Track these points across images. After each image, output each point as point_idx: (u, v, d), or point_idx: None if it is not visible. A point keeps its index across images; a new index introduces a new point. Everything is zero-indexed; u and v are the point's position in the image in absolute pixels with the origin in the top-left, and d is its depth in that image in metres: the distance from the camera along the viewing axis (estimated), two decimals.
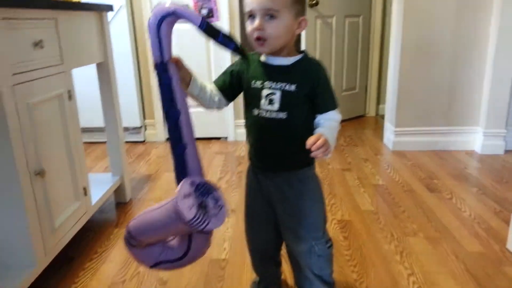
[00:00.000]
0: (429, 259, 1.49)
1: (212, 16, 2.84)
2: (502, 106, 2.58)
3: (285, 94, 0.99)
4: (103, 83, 1.89)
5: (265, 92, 1.01)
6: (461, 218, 1.79)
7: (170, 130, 0.95)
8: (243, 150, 2.82)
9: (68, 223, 1.44)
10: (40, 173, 1.27)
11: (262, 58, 1.04)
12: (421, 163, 2.48)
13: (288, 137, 1.03)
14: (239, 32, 2.89)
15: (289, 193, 1.07)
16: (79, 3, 1.68)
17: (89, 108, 2.51)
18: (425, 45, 2.59)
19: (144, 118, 3.05)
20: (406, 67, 2.64)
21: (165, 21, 0.90)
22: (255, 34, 0.95)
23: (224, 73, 1.09)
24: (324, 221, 1.13)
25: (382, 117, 3.22)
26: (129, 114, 2.91)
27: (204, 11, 2.83)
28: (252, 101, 1.03)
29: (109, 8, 1.87)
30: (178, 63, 0.94)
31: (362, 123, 3.53)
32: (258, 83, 1.02)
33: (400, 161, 2.53)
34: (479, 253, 1.52)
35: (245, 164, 2.46)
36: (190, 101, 0.98)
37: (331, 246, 1.12)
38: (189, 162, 0.96)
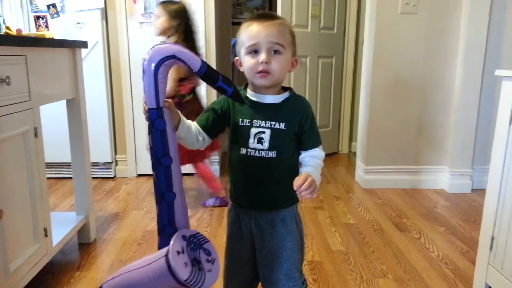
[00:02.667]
0: None
1: None
2: (468, 146, 2.67)
3: (275, 132, 0.99)
4: (72, 119, 1.86)
5: (254, 130, 1.00)
6: (429, 259, 1.80)
7: (159, 178, 0.90)
8: None
9: (25, 267, 1.37)
10: None
11: (250, 95, 1.02)
12: (391, 202, 2.51)
13: (277, 176, 1.02)
14: (216, 68, 2.92)
15: (270, 236, 1.05)
16: (51, 39, 1.68)
17: (57, 142, 2.46)
18: (395, 86, 2.69)
19: (116, 153, 3.00)
20: (376, 108, 2.72)
21: (164, 64, 0.86)
22: (260, 67, 0.95)
23: (206, 110, 1.06)
24: (302, 261, 1.12)
25: (355, 154, 3.27)
26: (100, 149, 2.86)
27: None
28: (239, 139, 1.02)
29: (83, 44, 1.87)
30: (170, 106, 0.92)
31: (335, 160, 3.57)
32: (246, 122, 1.00)
33: (371, 200, 2.56)
34: None
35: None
36: None
37: (306, 287, 1.10)
38: (177, 213, 0.91)
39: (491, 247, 1.45)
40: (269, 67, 0.95)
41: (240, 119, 1.01)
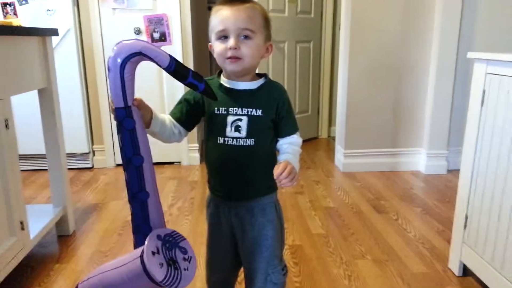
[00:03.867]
0: (376, 282, 1.52)
1: (165, 40, 2.83)
2: (443, 128, 2.73)
3: (252, 119, 0.97)
4: (45, 109, 1.81)
5: (230, 118, 0.97)
6: (406, 239, 1.85)
7: (131, 178, 0.87)
8: (197, 174, 2.79)
9: (1, 261, 1.34)
10: None
11: (224, 82, 1.00)
12: (370, 184, 2.56)
13: (255, 164, 1.00)
14: (192, 56, 2.89)
15: (251, 225, 1.05)
16: (19, 27, 1.62)
17: (32, 133, 2.40)
18: (371, 70, 2.71)
19: (93, 143, 2.94)
20: (354, 92, 2.74)
21: (130, 61, 0.82)
22: (229, 53, 0.93)
23: (180, 102, 1.03)
24: (282, 248, 1.12)
25: (334, 138, 3.30)
26: (76, 140, 2.80)
27: (157, 35, 2.82)
28: (215, 128, 0.99)
29: (54, 32, 1.81)
30: (140, 104, 0.89)
31: (314, 145, 3.60)
32: (222, 110, 0.98)
33: (350, 183, 2.60)
34: (423, 274, 1.57)
35: (198, 190, 2.45)
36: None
37: (286, 272, 1.11)
38: (151, 212, 0.89)
39: (465, 226, 1.49)
40: (238, 53, 0.93)
41: (216, 108, 0.98)
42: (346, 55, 2.73)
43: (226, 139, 0.98)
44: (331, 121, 3.84)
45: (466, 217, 1.49)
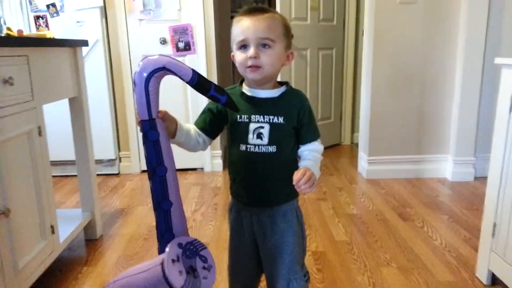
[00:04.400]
0: None
1: (189, 49, 2.89)
2: (470, 135, 2.67)
3: (274, 127, 0.99)
4: (75, 117, 1.88)
5: (252, 126, 0.99)
6: (432, 247, 1.82)
7: (155, 187, 0.91)
8: (219, 181, 2.82)
9: (33, 264, 1.39)
10: (5, 212, 1.24)
11: (246, 91, 1.02)
12: (394, 191, 2.52)
13: (277, 171, 1.02)
14: (215, 65, 2.94)
15: (272, 231, 1.06)
16: (52, 39, 1.70)
17: (62, 141, 2.49)
18: (395, 76, 2.69)
19: (119, 150, 3.02)
20: (377, 98, 2.72)
21: (154, 76, 0.86)
22: (249, 62, 0.95)
23: (203, 112, 1.06)
24: (304, 254, 1.13)
25: (357, 145, 3.28)
26: (104, 147, 2.88)
27: (181, 44, 2.88)
28: (238, 136, 1.01)
29: (84, 43, 1.88)
30: (164, 116, 0.92)
31: (337, 151, 3.58)
32: (244, 117, 1.00)
33: (374, 190, 2.57)
34: (450, 282, 1.54)
35: (221, 196, 2.48)
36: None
37: (308, 279, 1.11)
38: (174, 220, 0.92)
39: (493, 234, 1.46)
40: (258, 62, 0.95)
41: (238, 116, 1.00)
42: (369, 61, 2.72)
43: (248, 146, 1.00)
44: (354, 128, 3.81)
45: (495, 225, 1.45)
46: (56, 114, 2.34)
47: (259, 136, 0.99)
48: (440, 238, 1.90)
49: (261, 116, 0.99)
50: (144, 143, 0.90)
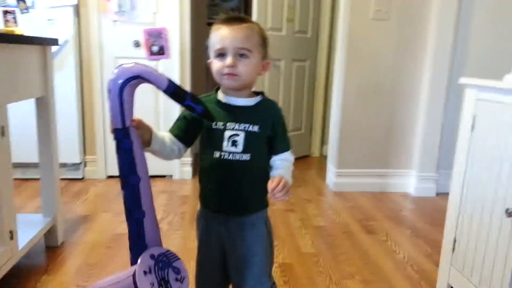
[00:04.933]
0: None
1: (163, 53, 2.86)
2: (433, 151, 2.77)
3: (249, 135, 1.00)
4: (41, 118, 1.81)
5: (227, 133, 1.00)
6: (395, 261, 1.86)
7: (127, 197, 0.90)
8: (188, 189, 2.79)
9: None
10: None
11: (222, 98, 1.03)
12: (360, 205, 2.58)
13: (250, 179, 1.03)
14: (190, 69, 2.92)
15: (241, 241, 1.06)
16: (20, 36, 1.64)
17: (23, 142, 2.38)
18: (366, 91, 2.76)
19: (85, 153, 2.93)
20: (347, 112, 2.78)
21: (129, 84, 0.85)
22: (226, 71, 0.96)
23: (179, 119, 1.06)
24: (271, 264, 1.13)
25: (326, 157, 3.33)
26: (69, 150, 2.78)
27: (155, 48, 2.85)
28: (212, 142, 1.01)
29: (54, 42, 1.83)
30: (139, 124, 0.91)
31: (306, 163, 3.62)
32: (219, 124, 1.00)
33: (340, 202, 2.62)
34: None
35: (189, 204, 2.45)
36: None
37: None
38: (147, 231, 0.90)
39: (453, 249, 1.51)
40: (235, 71, 0.96)
41: (213, 122, 1.01)
42: (341, 75, 2.78)
43: (222, 153, 1.01)
44: (323, 140, 3.87)
45: (455, 240, 1.51)
46: (17, 114, 2.26)
47: (234, 143, 1.00)
48: (403, 252, 1.95)
49: (237, 124, 1.00)
50: (117, 152, 0.88)
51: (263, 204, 1.09)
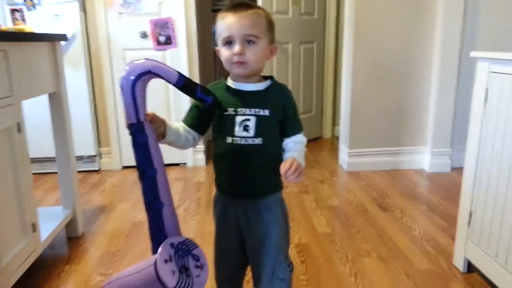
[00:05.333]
0: (382, 279, 1.55)
1: (170, 43, 2.86)
2: (447, 126, 2.74)
3: (260, 119, 1.01)
4: (55, 113, 1.84)
5: (239, 118, 1.01)
6: (411, 236, 1.87)
7: (146, 189, 0.92)
8: (202, 175, 2.82)
9: (15, 262, 1.38)
10: None
11: (231, 85, 1.03)
12: (374, 183, 2.58)
13: (263, 162, 1.04)
14: (197, 59, 2.93)
15: (257, 223, 1.07)
16: (31, 33, 1.66)
17: (40, 137, 2.45)
18: (375, 70, 2.73)
19: (100, 146, 2.98)
20: (357, 91, 2.76)
21: (141, 79, 0.87)
22: (235, 59, 0.97)
23: (191, 109, 1.08)
24: (288, 245, 1.15)
25: (338, 138, 3.32)
26: (84, 143, 2.83)
27: (162, 38, 2.85)
28: (224, 128, 1.03)
29: (63, 37, 1.85)
30: (153, 118, 0.93)
31: (318, 145, 3.62)
32: (230, 110, 1.01)
33: (354, 182, 2.62)
34: (428, 271, 1.59)
35: (204, 190, 2.48)
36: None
37: (292, 269, 1.13)
38: (166, 221, 0.93)
39: (469, 223, 1.51)
40: (243, 58, 0.97)
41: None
42: (349, 55, 2.76)
43: (234, 138, 1.02)
44: (334, 121, 3.86)
45: (470, 214, 1.50)
46: (33, 110, 2.30)
47: (245, 128, 1.01)
48: (419, 227, 1.96)
49: (247, 109, 1.01)
50: (133, 146, 0.91)
51: (277, 186, 1.10)
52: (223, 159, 1.07)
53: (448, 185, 2.52)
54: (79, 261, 1.72)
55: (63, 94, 1.84)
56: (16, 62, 1.44)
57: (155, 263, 0.85)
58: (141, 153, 0.90)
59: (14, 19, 2.67)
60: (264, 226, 1.07)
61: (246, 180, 1.06)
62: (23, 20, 2.66)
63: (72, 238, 1.92)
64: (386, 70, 2.74)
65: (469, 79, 2.65)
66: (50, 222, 1.74)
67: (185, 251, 0.91)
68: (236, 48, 0.96)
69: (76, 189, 1.93)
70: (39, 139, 2.44)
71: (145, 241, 1.86)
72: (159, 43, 2.85)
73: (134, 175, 2.82)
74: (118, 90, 2.87)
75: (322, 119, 3.86)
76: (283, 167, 0.93)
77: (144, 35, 2.81)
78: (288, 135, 1.06)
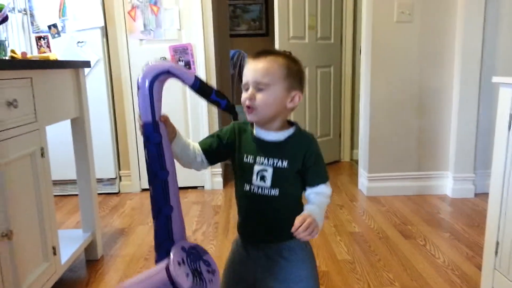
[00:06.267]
0: None
1: (190, 68, 2.92)
2: (469, 151, 2.69)
3: (277, 170, 0.98)
4: (77, 137, 1.88)
5: (256, 168, 0.99)
6: (435, 265, 1.81)
7: (156, 191, 0.90)
8: (220, 199, 2.81)
9: (35, 286, 1.38)
10: (8, 235, 1.23)
11: (255, 132, 1.02)
12: (395, 209, 2.52)
13: (280, 213, 1.01)
14: (216, 82, 2.97)
15: (279, 267, 1.03)
16: (55, 61, 1.72)
17: (62, 160, 2.48)
18: (393, 94, 2.71)
19: (119, 169, 3.02)
20: (376, 115, 2.74)
21: (158, 79, 0.88)
22: (246, 103, 0.97)
23: (212, 136, 1.06)
24: None
25: (357, 162, 3.29)
26: (104, 165, 2.87)
27: (182, 64, 2.91)
28: (243, 175, 1.02)
29: (87, 64, 1.91)
30: (166, 121, 0.93)
31: (337, 168, 3.59)
32: (250, 158, 1.00)
33: (374, 207, 2.57)
34: None
35: (222, 214, 2.48)
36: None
37: None
38: (175, 225, 0.91)
39: (496, 252, 1.46)
40: (252, 103, 0.96)
41: (245, 155, 1.01)
42: (367, 79, 2.75)
43: (252, 186, 1.00)
44: (353, 144, 3.83)
45: (497, 244, 1.45)
46: (54, 133, 2.35)
47: (262, 178, 0.99)
48: (443, 256, 1.90)
49: (266, 159, 0.99)
50: (146, 146, 0.90)
51: None
52: (241, 204, 1.06)
53: (471, 211, 2.45)
54: (98, 285, 1.72)
55: (85, 119, 1.88)
56: (40, 88, 1.48)
57: (167, 268, 0.83)
58: (154, 154, 0.89)
59: (39, 46, 2.77)
60: (288, 270, 1.02)
61: (264, 228, 1.03)
62: (48, 47, 2.76)
63: (91, 261, 1.93)
64: (405, 94, 2.72)
65: (491, 102, 2.61)
66: (70, 245, 1.75)
67: (196, 256, 0.89)
68: (248, 92, 0.97)
69: (96, 212, 1.95)
70: (61, 161, 2.48)
71: None
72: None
73: None
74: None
75: (340, 142, 3.83)
76: (296, 223, 0.90)
77: None
78: (310, 185, 1.01)
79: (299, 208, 0.97)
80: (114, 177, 2.97)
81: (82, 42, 2.80)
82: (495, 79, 1.46)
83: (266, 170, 0.99)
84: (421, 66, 2.68)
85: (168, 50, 2.87)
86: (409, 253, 1.93)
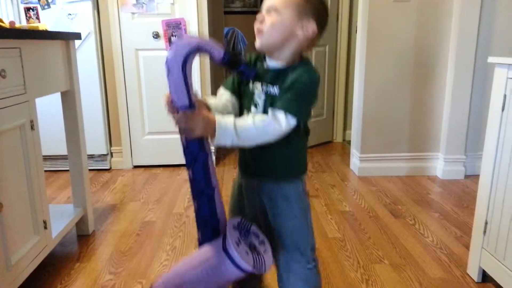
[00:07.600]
0: (393, 286, 1.52)
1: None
2: (460, 133, 2.70)
3: (268, 97, 0.98)
4: (67, 111, 1.85)
5: (255, 93, 1.00)
6: (424, 244, 1.84)
7: (197, 174, 0.88)
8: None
9: (26, 259, 1.38)
10: None
11: (264, 60, 1.03)
12: (386, 189, 2.55)
13: (268, 144, 0.96)
14: (209, 59, 2.92)
15: (272, 212, 1.02)
16: (45, 31, 1.67)
17: (52, 135, 2.46)
18: (388, 74, 2.70)
19: (111, 145, 2.99)
20: (370, 96, 2.74)
21: (189, 59, 0.82)
22: (256, 26, 0.97)
23: (229, 78, 1.08)
24: (308, 242, 1.07)
25: (349, 142, 3.30)
26: (95, 141, 2.85)
27: (174, 39, 2.86)
28: (244, 103, 1.03)
29: (77, 36, 1.86)
30: (201, 103, 0.92)
31: (329, 149, 3.60)
32: (251, 86, 1.01)
33: (365, 187, 2.59)
34: (441, 279, 1.56)
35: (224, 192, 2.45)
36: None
37: (314, 267, 1.08)
38: (218, 205, 0.90)
39: (484, 231, 1.48)
40: (261, 26, 0.96)
41: (250, 83, 1.03)
42: (362, 59, 2.73)
43: (249, 113, 1.02)
44: (346, 125, 3.83)
45: (486, 223, 1.47)
46: (45, 108, 2.31)
47: (255, 105, 1.00)
48: (432, 235, 1.92)
49: (262, 86, 1.00)
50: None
51: (292, 174, 1.04)
52: None
53: (461, 192, 2.48)
54: (89, 259, 1.72)
55: (76, 92, 1.84)
56: (30, 59, 1.44)
57: (226, 250, 0.81)
58: (195, 139, 0.87)
59: (28, 18, 2.69)
60: (278, 217, 1.02)
61: (252, 159, 1.03)
62: (37, 18, 2.69)
63: (82, 236, 1.93)
64: (400, 74, 2.70)
65: (484, 85, 2.62)
66: (61, 219, 1.74)
67: (246, 231, 0.89)
68: (259, 15, 0.97)
69: (87, 188, 1.94)
70: (52, 136, 2.45)
71: (155, 240, 1.87)
72: (171, 43, 2.85)
73: (144, 174, 2.83)
74: (130, 89, 2.88)
75: (333, 123, 3.83)
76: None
77: (156, 36, 2.81)
78: (272, 106, 0.94)
79: (290, 142, 0.97)
80: (105, 153, 2.94)
81: (72, 14, 2.73)
82: (490, 59, 1.45)
83: (260, 97, 1.00)
84: (416, 47, 2.66)
85: (160, 24, 2.81)
86: (399, 232, 1.95)
